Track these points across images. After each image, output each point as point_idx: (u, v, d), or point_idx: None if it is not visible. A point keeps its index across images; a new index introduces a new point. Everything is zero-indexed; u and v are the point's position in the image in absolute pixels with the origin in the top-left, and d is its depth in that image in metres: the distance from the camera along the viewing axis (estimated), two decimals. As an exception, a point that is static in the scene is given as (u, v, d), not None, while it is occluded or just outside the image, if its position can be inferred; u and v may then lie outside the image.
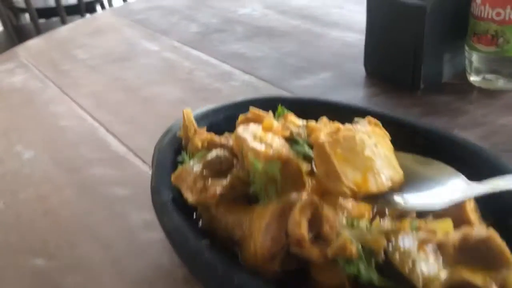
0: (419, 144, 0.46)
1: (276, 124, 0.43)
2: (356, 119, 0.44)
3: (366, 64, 0.77)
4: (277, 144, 0.40)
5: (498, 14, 0.64)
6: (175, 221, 0.39)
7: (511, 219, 0.39)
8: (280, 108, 0.48)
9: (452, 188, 0.37)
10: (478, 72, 0.70)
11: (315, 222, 0.35)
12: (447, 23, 0.69)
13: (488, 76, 0.70)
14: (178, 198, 0.42)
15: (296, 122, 0.47)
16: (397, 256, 0.33)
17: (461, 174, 0.39)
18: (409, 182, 0.38)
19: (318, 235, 0.35)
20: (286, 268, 0.37)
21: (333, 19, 1.02)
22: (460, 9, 0.68)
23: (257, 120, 0.45)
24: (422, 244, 0.34)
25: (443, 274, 0.33)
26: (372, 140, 0.38)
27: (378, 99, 0.72)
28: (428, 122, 0.49)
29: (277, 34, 0.98)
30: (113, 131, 0.68)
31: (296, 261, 0.36)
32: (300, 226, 0.34)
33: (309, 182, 0.45)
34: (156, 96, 0.78)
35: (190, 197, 0.40)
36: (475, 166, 0.42)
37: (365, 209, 0.38)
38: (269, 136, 0.41)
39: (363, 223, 0.36)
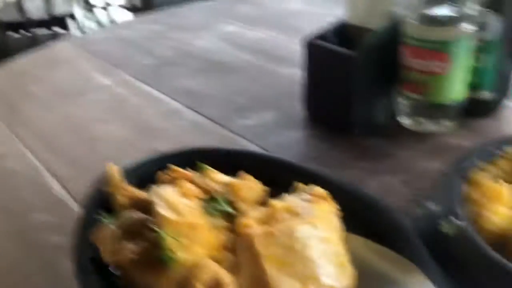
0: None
1: (192, 188, 0.46)
2: (296, 185, 0.46)
3: (306, 105, 0.81)
4: (187, 210, 0.43)
5: (421, 65, 0.68)
6: (90, 282, 0.42)
7: None
8: (200, 165, 0.51)
9: None
10: (408, 115, 0.74)
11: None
12: (378, 70, 0.73)
13: (418, 119, 0.74)
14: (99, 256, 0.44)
15: (217, 179, 0.50)
16: None
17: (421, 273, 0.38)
18: (362, 281, 0.34)
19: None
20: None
21: (284, 54, 1.05)
22: (390, 57, 0.72)
23: (176, 178, 0.48)
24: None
25: None
26: (317, 232, 0.33)
27: (317, 141, 0.76)
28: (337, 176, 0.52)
29: (229, 69, 1.02)
30: (57, 174, 0.70)
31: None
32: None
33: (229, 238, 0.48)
34: (103, 136, 0.80)
35: (106, 257, 0.43)
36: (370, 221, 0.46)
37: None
38: (182, 201, 0.44)
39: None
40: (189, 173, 0.49)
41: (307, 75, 0.78)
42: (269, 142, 0.75)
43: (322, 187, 0.50)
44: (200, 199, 0.46)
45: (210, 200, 0.48)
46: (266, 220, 0.33)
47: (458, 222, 0.43)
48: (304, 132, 0.78)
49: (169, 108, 0.88)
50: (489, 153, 0.51)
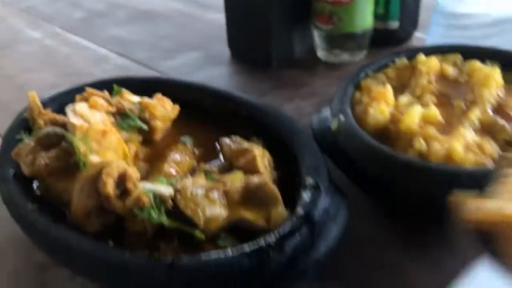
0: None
1: (101, 101, 0.49)
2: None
3: (230, 45, 0.85)
4: (97, 118, 0.46)
5: (330, -4, 0.73)
6: (10, 190, 0.45)
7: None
8: (116, 87, 0.55)
9: None
10: (323, 47, 0.79)
11: (123, 181, 0.42)
12: (294, 5, 0.77)
13: (333, 50, 0.79)
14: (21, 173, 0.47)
15: (130, 99, 0.54)
16: (182, 202, 0.40)
17: None
18: None
19: (125, 192, 0.42)
20: (106, 224, 0.43)
21: (211, 1, 1.08)
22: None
23: (90, 97, 0.51)
24: (208, 191, 0.42)
25: (224, 214, 0.41)
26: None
27: (239, 76, 0.80)
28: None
29: (158, 17, 1.04)
30: (-16, 117, 0.71)
31: (113, 217, 0.43)
32: (106, 186, 0.41)
33: (142, 150, 0.52)
34: (33, 83, 0.82)
35: (25, 169, 0.46)
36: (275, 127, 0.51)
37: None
38: (93, 112, 0.47)
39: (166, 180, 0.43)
40: (102, 93, 0.53)
41: (228, 14, 0.81)
42: (194, 77, 0.78)
43: (232, 105, 0.55)
44: (113, 114, 0.50)
45: (124, 116, 0.51)
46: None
47: (343, 118, 0.48)
48: (227, 68, 0.82)
49: (97, 54, 0.90)
50: (380, 65, 0.56)
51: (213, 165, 0.49)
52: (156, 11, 1.07)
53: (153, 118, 0.53)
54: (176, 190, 0.41)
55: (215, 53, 0.86)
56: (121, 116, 0.52)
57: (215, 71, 0.81)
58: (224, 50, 0.85)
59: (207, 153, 0.52)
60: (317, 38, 0.79)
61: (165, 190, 0.41)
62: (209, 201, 0.41)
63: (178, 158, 0.50)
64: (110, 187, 0.41)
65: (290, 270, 0.38)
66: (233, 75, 0.80)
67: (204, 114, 0.56)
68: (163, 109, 0.53)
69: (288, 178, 0.47)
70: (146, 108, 0.53)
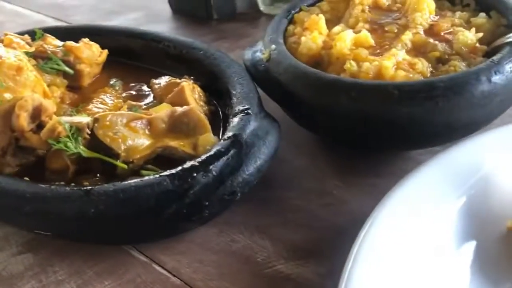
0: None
1: (17, 40, 0.46)
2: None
3: (170, 2, 0.82)
4: (15, 56, 0.43)
5: None
6: None
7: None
8: (38, 32, 0.52)
9: None
10: (264, 2, 0.78)
11: (38, 115, 0.39)
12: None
13: (275, 3, 0.77)
14: None
15: (54, 43, 0.51)
16: (100, 131, 0.38)
17: None
18: None
19: (41, 126, 0.39)
20: (24, 162, 0.41)
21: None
22: None
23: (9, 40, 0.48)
24: (130, 121, 0.40)
25: (147, 142, 0.39)
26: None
27: (180, 31, 0.78)
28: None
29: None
30: None
31: (32, 156, 0.41)
32: (19, 119, 0.38)
33: (69, 95, 0.49)
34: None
35: None
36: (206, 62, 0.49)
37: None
38: (8, 50, 0.44)
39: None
40: (23, 36, 0.50)
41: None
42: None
43: (162, 45, 0.53)
44: (36, 57, 0.47)
45: (46, 59, 0.49)
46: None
47: (275, 47, 0.47)
48: (169, 25, 0.80)
49: (32, 20, 0.86)
50: (315, -1, 0.55)
51: (148, 102, 0.47)
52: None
53: (79, 62, 0.50)
54: (95, 120, 0.39)
55: (155, 12, 0.84)
56: (43, 59, 0.49)
57: (156, 29, 0.78)
58: (164, 7, 0.83)
59: (138, 96, 0.50)
60: (259, -9, 0.77)
61: (82, 119, 0.38)
62: (130, 130, 0.39)
63: (105, 99, 0.48)
64: (23, 120, 0.38)
65: (217, 190, 0.36)
66: (174, 31, 0.78)
67: (135, 58, 0.54)
68: (90, 52, 0.51)
69: (224, 109, 0.45)
70: (70, 51, 0.50)
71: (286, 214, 0.43)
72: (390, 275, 0.32)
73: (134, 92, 0.50)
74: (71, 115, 0.43)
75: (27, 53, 0.46)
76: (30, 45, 0.48)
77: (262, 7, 0.78)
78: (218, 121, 0.45)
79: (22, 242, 0.42)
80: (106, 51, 0.52)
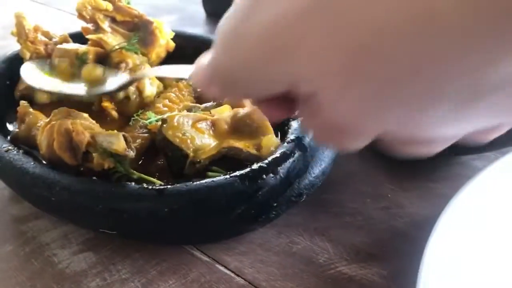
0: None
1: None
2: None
3: (204, 4, 0.83)
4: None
5: None
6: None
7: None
8: None
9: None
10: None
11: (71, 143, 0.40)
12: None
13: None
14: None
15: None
16: (170, 131, 0.39)
17: None
18: None
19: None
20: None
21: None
22: None
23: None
24: (196, 122, 0.40)
25: (213, 143, 0.40)
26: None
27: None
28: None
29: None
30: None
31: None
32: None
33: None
34: None
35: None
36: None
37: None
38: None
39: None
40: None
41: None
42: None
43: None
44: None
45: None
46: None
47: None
48: (203, 29, 0.81)
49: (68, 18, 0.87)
50: None
51: (208, 104, 0.48)
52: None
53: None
54: (163, 120, 0.40)
55: (190, 14, 0.85)
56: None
57: (193, 31, 0.79)
58: (199, 10, 0.84)
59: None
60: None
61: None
62: (197, 131, 0.40)
63: (173, 96, 0.49)
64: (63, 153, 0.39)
65: (285, 192, 0.37)
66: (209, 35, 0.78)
67: (186, 60, 0.54)
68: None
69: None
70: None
71: (344, 216, 0.44)
72: (465, 282, 0.32)
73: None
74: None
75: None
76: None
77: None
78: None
79: (82, 240, 0.42)
80: (173, 43, 0.53)
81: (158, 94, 0.51)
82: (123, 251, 0.41)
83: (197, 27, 0.80)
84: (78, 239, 0.42)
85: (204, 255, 0.41)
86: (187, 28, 0.79)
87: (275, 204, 0.36)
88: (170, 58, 0.54)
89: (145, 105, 0.49)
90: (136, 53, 0.51)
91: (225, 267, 0.40)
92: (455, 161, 0.48)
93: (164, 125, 0.39)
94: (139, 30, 0.53)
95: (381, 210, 0.44)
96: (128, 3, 0.55)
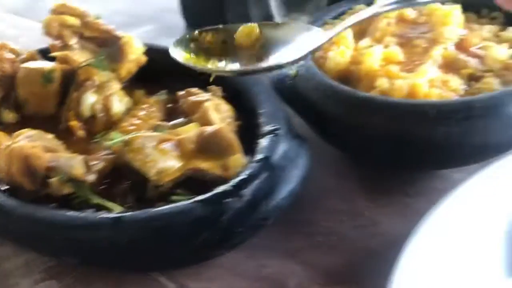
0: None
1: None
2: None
3: (183, 14, 0.81)
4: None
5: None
6: None
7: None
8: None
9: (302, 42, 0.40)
10: (280, 11, 0.76)
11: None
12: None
13: (291, 14, 0.76)
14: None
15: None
16: (130, 154, 0.37)
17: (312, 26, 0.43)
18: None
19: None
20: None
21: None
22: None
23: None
24: (160, 143, 0.39)
25: (177, 165, 0.38)
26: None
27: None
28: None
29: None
30: None
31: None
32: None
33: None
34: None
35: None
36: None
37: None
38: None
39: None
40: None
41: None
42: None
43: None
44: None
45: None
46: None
47: (302, 62, 0.45)
48: (183, 39, 0.79)
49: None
50: (338, 12, 0.54)
51: (176, 121, 0.46)
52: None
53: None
54: (125, 143, 0.38)
55: (169, 24, 0.83)
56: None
57: (170, 43, 0.78)
58: (178, 20, 0.82)
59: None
60: (274, 1, 0.76)
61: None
62: (160, 153, 0.38)
63: (142, 114, 0.47)
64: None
65: (250, 216, 0.35)
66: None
67: (157, 74, 0.53)
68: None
69: (251, 128, 0.44)
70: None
71: (317, 236, 0.42)
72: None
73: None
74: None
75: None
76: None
77: (277, 18, 0.77)
78: (244, 137, 0.44)
79: (44, 268, 0.41)
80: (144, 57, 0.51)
81: (127, 111, 0.49)
82: (86, 279, 0.39)
83: (176, 37, 0.79)
84: (40, 267, 0.41)
85: (171, 281, 0.39)
86: (165, 39, 0.78)
87: (240, 229, 0.35)
88: (143, 73, 0.53)
89: (113, 123, 0.47)
90: (104, 69, 0.49)
91: (192, 295, 0.38)
92: (434, 174, 0.47)
93: (126, 148, 0.38)
94: (108, 46, 0.52)
95: (356, 229, 0.42)
96: (97, 18, 0.54)
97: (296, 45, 0.42)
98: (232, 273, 0.39)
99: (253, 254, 0.40)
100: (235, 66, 0.44)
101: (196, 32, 0.51)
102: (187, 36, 0.50)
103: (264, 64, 0.42)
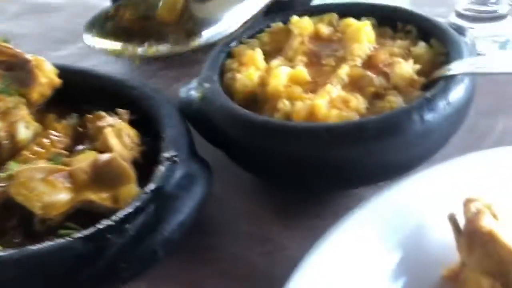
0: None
1: None
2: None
3: None
4: None
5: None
6: None
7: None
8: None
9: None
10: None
11: None
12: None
13: None
14: None
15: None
16: (13, 189, 0.36)
17: None
18: None
19: None
20: None
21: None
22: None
23: None
24: (50, 174, 0.37)
25: (66, 198, 0.37)
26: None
27: (125, 62, 0.76)
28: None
29: (52, 9, 0.98)
30: None
31: None
32: None
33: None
34: None
35: None
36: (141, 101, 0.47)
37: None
38: None
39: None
40: None
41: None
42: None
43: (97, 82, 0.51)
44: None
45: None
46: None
47: (208, 85, 0.45)
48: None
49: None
50: (255, 31, 0.53)
51: (79, 148, 0.45)
52: (52, 3, 1.00)
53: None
54: (9, 177, 0.37)
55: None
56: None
57: (101, 59, 0.76)
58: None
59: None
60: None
61: None
62: (48, 185, 0.37)
63: (46, 141, 0.45)
64: None
65: (135, 251, 0.34)
66: (119, 61, 0.76)
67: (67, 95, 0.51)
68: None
69: (154, 154, 0.43)
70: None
71: (222, 264, 0.41)
72: None
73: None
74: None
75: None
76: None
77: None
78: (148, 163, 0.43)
79: None
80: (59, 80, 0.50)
81: (35, 137, 0.47)
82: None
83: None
84: None
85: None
86: (98, 56, 0.76)
87: (124, 266, 0.34)
88: (59, 95, 0.52)
89: (19, 150, 0.46)
90: (10, 94, 0.48)
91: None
92: (347, 194, 0.46)
93: (10, 182, 0.36)
94: (16, 70, 0.50)
95: (263, 255, 0.41)
96: (5, 41, 0.52)
97: (227, 19, 0.40)
98: (130, 305, 0.38)
99: (153, 285, 0.39)
100: (161, 47, 0.41)
101: (112, 8, 0.47)
102: (101, 14, 0.47)
103: (193, 43, 0.39)
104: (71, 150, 0.44)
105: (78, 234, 0.33)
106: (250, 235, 0.43)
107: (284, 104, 0.42)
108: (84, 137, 0.47)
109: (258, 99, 0.45)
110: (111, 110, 0.47)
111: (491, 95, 0.56)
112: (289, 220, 0.44)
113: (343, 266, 0.34)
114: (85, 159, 0.40)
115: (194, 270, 0.41)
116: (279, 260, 0.41)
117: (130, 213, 0.34)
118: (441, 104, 0.38)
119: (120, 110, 0.46)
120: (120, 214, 0.35)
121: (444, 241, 0.35)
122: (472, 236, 0.32)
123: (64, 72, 0.53)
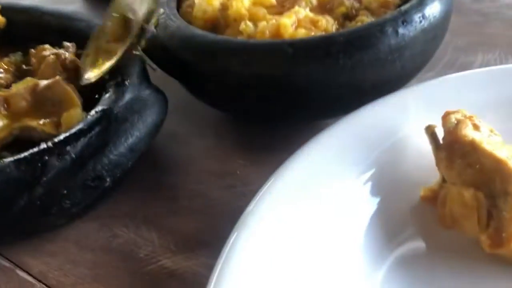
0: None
1: None
2: None
3: None
4: None
5: None
6: None
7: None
8: None
9: None
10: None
11: None
12: None
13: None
14: None
15: None
16: None
17: None
18: None
19: None
20: None
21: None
22: None
23: None
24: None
25: (2, 124, 0.33)
26: None
27: (92, 13, 0.71)
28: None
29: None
30: None
31: None
32: None
33: None
34: None
35: None
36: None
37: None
38: None
39: None
40: None
41: None
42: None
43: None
44: None
45: None
46: None
47: (162, 10, 0.41)
48: (80, 5, 0.73)
49: None
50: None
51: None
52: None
53: None
54: None
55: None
56: None
57: (67, 9, 0.72)
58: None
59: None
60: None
61: None
62: (-20, 111, 0.33)
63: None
64: None
65: (77, 176, 0.30)
66: (86, 12, 0.71)
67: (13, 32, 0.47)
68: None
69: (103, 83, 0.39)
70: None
71: (180, 201, 0.37)
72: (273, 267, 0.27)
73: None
74: None
75: None
76: None
77: None
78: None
79: None
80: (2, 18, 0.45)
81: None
82: None
83: (73, 4, 0.73)
84: None
85: (5, 259, 0.34)
86: (62, 5, 0.72)
87: (66, 192, 0.30)
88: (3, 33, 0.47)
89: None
90: None
91: (27, 272, 0.33)
92: (316, 128, 0.43)
93: None
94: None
95: (225, 190, 0.38)
96: None
97: None
98: (79, 246, 0.34)
99: (105, 223, 0.36)
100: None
101: None
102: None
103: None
104: (12, 86, 0.40)
105: (13, 158, 0.29)
106: (213, 171, 0.40)
107: (246, 25, 0.38)
108: (28, 74, 0.43)
109: (218, 26, 0.41)
110: (58, 46, 0.43)
111: (470, 34, 0.54)
112: (255, 155, 0.41)
113: (311, 187, 0.31)
114: (21, 84, 0.36)
115: (150, 207, 0.37)
116: (242, 194, 0.37)
117: (71, 135, 0.31)
118: (416, 17, 0.35)
119: (66, 43, 0.42)
120: (61, 136, 0.31)
121: (421, 162, 0.32)
122: (452, 148, 0.29)
123: (7, 10, 0.49)
